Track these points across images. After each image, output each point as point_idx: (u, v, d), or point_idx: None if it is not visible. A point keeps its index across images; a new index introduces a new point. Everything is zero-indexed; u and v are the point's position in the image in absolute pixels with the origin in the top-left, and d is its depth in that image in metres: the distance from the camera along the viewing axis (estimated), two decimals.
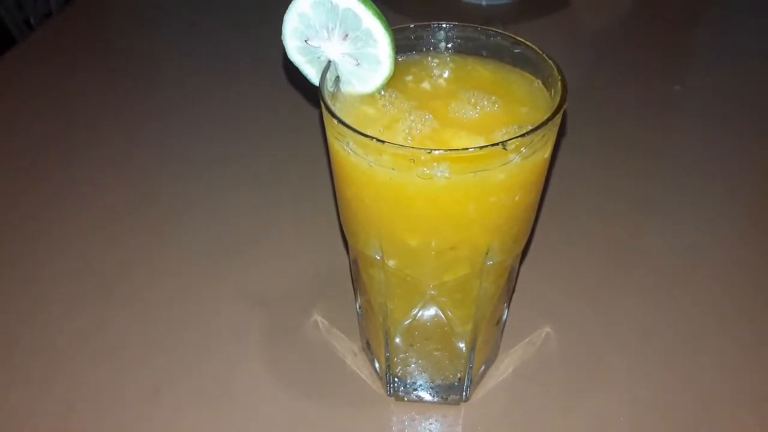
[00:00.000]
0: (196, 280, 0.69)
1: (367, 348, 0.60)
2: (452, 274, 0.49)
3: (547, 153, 0.47)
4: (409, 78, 0.52)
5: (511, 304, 0.60)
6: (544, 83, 0.50)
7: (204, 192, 0.79)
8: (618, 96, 0.95)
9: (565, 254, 0.71)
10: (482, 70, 0.53)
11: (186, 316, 0.65)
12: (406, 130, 0.46)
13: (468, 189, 0.44)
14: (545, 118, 0.43)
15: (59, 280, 0.69)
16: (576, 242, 0.73)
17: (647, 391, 0.59)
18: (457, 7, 1.14)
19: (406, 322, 0.53)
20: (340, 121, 0.43)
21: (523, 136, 0.42)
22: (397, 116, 0.47)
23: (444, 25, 0.53)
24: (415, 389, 0.58)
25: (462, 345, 0.55)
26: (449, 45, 0.54)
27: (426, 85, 0.52)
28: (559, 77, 0.47)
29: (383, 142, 0.41)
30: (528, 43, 0.50)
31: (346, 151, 0.45)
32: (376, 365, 0.59)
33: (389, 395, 0.58)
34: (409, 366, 0.57)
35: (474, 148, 0.41)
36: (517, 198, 0.46)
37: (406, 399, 0.58)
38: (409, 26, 0.53)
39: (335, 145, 0.46)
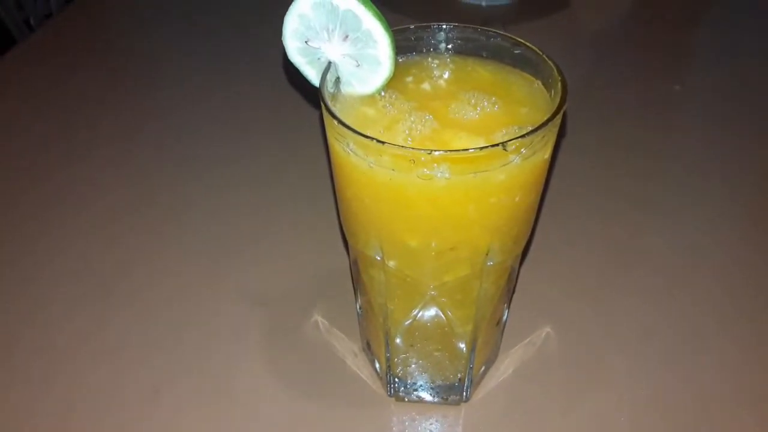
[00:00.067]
0: (196, 280, 0.69)
1: (368, 348, 0.60)
2: (452, 275, 0.49)
3: (547, 153, 0.47)
4: (410, 79, 0.52)
5: (512, 305, 0.60)
6: (544, 84, 0.50)
7: (204, 192, 0.79)
8: (618, 96, 0.95)
9: (565, 254, 0.71)
10: (482, 71, 0.53)
11: (186, 316, 0.65)
12: (407, 131, 0.46)
13: (468, 190, 0.44)
14: (545, 118, 0.43)
15: (59, 280, 0.69)
16: (576, 242, 0.73)
17: (647, 391, 0.59)
18: (456, 7, 1.14)
19: (407, 323, 0.53)
20: (341, 122, 0.43)
21: (523, 136, 0.42)
22: (398, 117, 0.47)
23: (444, 26, 0.53)
24: (416, 390, 0.58)
25: (462, 345, 0.55)
26: (449, 46, 0.54)
27: (426, 86, 0.52)
28: (559, 78, 0.47)
29: (383, 142, 0.41)
30: (528, 43, 0.50)
31: (347, 151, 0.45)
32: (377, 365, 0.59)
33: (390, 396, 0.58)
34: (410, 366, 0.57)
35: (474, 148, 0.41)
36: (517, 198, 0.46)
37: (406, 399, 0.58)
38: (409, 27, 0.53)
39: (335, 145, 0.46)
